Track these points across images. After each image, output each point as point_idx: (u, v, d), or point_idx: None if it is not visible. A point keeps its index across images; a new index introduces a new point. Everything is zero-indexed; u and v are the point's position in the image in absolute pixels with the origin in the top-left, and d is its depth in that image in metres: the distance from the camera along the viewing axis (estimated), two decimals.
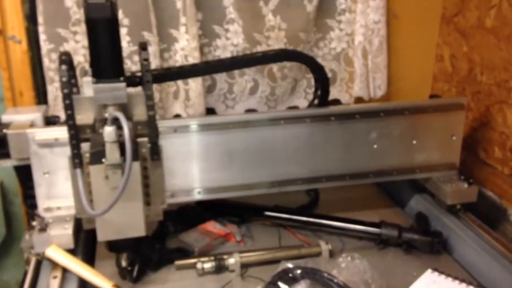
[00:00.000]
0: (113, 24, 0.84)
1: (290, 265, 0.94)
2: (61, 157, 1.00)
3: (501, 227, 1.22)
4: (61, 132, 0.99)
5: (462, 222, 1.16)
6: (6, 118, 1.05)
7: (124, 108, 0.89)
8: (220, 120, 1.08)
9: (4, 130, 0.99)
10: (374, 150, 1.16)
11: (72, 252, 1.00)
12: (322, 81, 1.16)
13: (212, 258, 1.04)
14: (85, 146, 0.90)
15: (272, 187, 1.13)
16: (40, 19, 1.21)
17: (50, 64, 1.25)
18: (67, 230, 0.99)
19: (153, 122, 0.90)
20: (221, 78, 1.38)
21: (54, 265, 0.98)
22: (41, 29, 1.22)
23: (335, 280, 0.92)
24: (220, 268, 1.03)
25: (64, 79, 0.86)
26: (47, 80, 1.26)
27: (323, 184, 1.16)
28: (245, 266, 1.04)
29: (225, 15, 1.32)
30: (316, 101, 1.19)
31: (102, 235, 0.92)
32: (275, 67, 1.38)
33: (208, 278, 1.03)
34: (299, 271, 0.92)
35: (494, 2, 1.22)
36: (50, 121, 1.10)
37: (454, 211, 1.18)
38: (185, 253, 1.09)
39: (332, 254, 1.08)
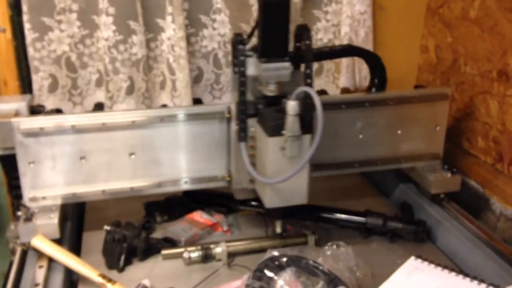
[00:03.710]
0: (287, 8, 0.91)
1: (276, 253, 0.94)
2: (47, 147, 1.00)
3: (483, 216, 1.24)
4: (46, 121, 0.99)
5: (446, 211, 1.18)
6: None
7: (282, 85, 0.95)
8: (207, 110, 1.08)
9: None
10: (360, 140, 1.17)
11: (58, 242, 1.00)
12: (380, 70, 1.21)
13: (199, 247, 1.04)
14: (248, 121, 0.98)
15: None
16: (25, 8, 1.20)
17: (34, 53, 1.23)
18: (53, 220, 0.99)
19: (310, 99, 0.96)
20: (208, 68, 1.38)
21: (40, 254, 0.98)
22: (25, 17, 1.21)
23: (321, 268, 0.92)
24: (207, 257, 1.04)
25: (242, 58, 0.94)
26: (32, 70, 1.25)
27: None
28: (231, 255, 1.05)
29: (212, 4, 1.32)
30: (373, 90, 1.22)
31: (271, 203, 0.97)
32: None
33: (195, 267, 1.03)
34: (285, 259, 0.93)
35: None
36: (35, 110, 1.09)
37: (437, 200, 1.20)
38: (172, 242, 1.09)
39: (317, 243, 1.09)
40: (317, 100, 0.84)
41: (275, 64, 0.93)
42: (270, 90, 0.95)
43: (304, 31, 0.96)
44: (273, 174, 0.92)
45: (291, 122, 0.88)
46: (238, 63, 0.95)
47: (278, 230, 1.05)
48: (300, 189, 0.96)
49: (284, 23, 0.92)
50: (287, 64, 0.93)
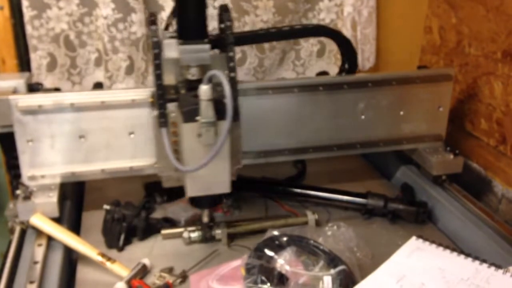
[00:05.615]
0: None
1: (276, 233, 0.94)
2: (45, 125, 0.99)
3: (485, 198, 1.23)
4: (45, 99, 0.98)
5: (447, 193, 1.17)
6: None
7: (205, 69, 0.90)
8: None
9: None
10: (362, 121, 1.16)
11: (57, 221, 0.99)
12: (350, 55, 1.17)
13: (199, 227, 1.04)
14: (169, 106, 0.92)
15: (259, 158, 1.12)
16: None
17: (33, 31, 1.22)
18: (52, 198, 0.99)
19: (234, 83, 0.91)
20: None
21: (39, 233, 0.98)
22: None
23: (321, 247, 0.92)
24: (207, 238, 1.03)
25: (155, 39, 0.88)
26: (30, 48, 1.23)
27: (310, 155, 1.16)
28: (231, 236, 1.04)
29: None
30: (343, 75, 1.19)
31: (192, 191, 0.94)
32: None
33: (195, 247, 1.03)
34: (285, 239, 0.93)
35: None
36: (33, 88, 1.08)
37: (439, 182, 1.19)
38: (172, 222, 1.09)
39: (318, 223, 1.08)
40: (225, 84, 0.80)
41: (192, 46, 0.88)
42: (191, 73, 0.90)
43: (223, 12, 0.92)
44: (190, 162, 0.89)
45: (204, 108, 0.84)
46: (152, 45, 0.89)
47: (205, 219, 1.02)
48: (222, 178, 0.92)
49: (200, 3, 0.88)
50: (206, 47, 0.89)
